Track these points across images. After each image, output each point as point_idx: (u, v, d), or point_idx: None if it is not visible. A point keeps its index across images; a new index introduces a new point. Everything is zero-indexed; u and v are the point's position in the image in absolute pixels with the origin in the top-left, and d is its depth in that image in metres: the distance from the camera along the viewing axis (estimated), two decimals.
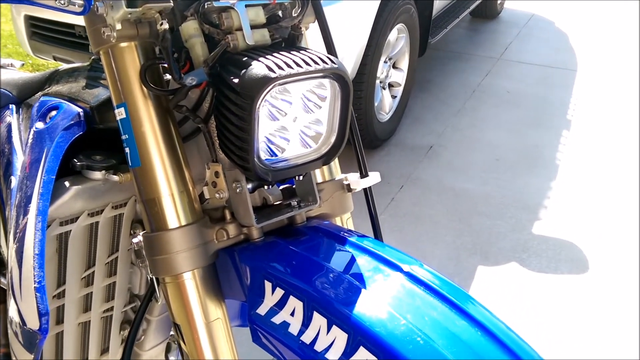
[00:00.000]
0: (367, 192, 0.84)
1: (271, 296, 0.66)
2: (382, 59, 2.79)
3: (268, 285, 0.66)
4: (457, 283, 0.68)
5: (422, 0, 3.04)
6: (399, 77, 3.07)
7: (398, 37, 2.92)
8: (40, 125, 0.84)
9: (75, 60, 2.57)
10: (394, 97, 3.09)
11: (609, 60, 4.35)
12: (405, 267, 0.65)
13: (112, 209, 0.85)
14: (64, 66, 0.99)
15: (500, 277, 2.22)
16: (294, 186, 0.81)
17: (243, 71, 0.62)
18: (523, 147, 3.15)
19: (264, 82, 0.60)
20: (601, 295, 2.13)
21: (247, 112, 0.61)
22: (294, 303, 0.62)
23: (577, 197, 2.73)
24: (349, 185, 0.84)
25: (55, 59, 2.72)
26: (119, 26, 0.66)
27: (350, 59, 2.48)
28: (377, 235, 0.84)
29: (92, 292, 0.88)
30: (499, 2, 4.91)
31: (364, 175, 0.83)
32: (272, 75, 0.60)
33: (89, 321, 0.91)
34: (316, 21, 0.81)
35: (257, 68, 0.61)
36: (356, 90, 2.56)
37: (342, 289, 0.62)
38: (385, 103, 2.98)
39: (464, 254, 2.36)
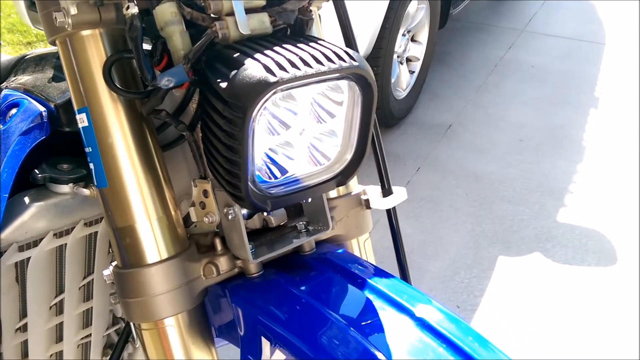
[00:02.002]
0: (390, 215, 0.68)
1: (269, 357, 0.52)
2: (401, 31, 2.59)
3: (266, 344, 0.53)
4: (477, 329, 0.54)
5: None
6: (418, 51, 2.87)
7: (418, 8, 2.71)
8: None
9: None
10: (411, 72, 2.90)
11: (638, 34, 4.09)
12: (425, 314, 0.52)
13: (85, 226, 0.71)
14: (33, 51, 0.84)
15: (523, 268, 2.08)
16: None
17: (233, 72, 0.46)
18: (548, 126, 2.95)
19: (261, 89, 0.45)
20: (629, 290, 1.98)
21: (238, 128, 0.46)
22: None
23: (605, 182, 2.55)
24: (367, 201, 0.69)
25: None
26: (73, 10, 0.50)
27: (366, 33, 2.29)
28: (405, 275, 0.69)
29: (63, 322, 0.75)
30: None
31: (387, 191, 0.67)
32: (272, 79, 0.45)
33: (62, 351, 0.79)
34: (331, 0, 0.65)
35: (252, 69, 0.46)
36: (372, 66, 2.37)
37: (353, 352, 0.48)
38: (403, 79, 2.79)
39: (484, 243, 2.22)
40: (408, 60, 2.86)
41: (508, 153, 2.73)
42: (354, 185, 0.71)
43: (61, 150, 0.70)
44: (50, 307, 0.73)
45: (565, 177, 2.58)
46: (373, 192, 0.69)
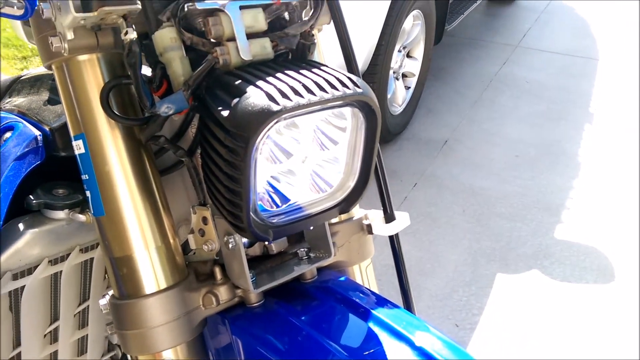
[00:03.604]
0: (393, 242, 0.67)
1: None
2: (397, 47, 2.60)
3: None
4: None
5: None
6: (414, 66, 2.88)
7: (413, 24, 2.73)
8: None
9: None
10: (407, 87, 2.90)
11: (632, 49, 4.12)
12: (424, 343, 0.52)
13: (80, 252, 0.70)
14: (29, 72, 0.83)
15: (522, 286, 2.06)
16: None
17: (235, 101, 0.45)
18: (544, 142, 2.96)
19: (264, 118, 0.43)
20: (628, 307, 1.96)
21: (240, 158, 0.44)
22: None
23: (601, 198, 2.55)
24: (369, 226, 0.68)
25: None
26: (70, 35, 0.49)
27: (363, 49, 2.29)
28: (408, 302, 0.67)
29: (57, 350, 0.73)
30: None
31: (389, 216, 0.66)
32: (275, 107, 0.44)
33: None
34: (332, 22, 0.64)
35: (255, 97, 0.44)
36: (368, 82, 2.37)
37: None
38: (398, 95, 2.79)
39: (482, 260, 2.20)
40: (404, 76, 2.87)
41: (504, 169, 2.73)
42: (356, 210, 0.69)
43: (56, 175, 0.69)
44: (45, 336, 0.71)
45: (561, 193, 2.58)
46: (375, 216, 0.68)
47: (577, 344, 1.83)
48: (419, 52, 2.88)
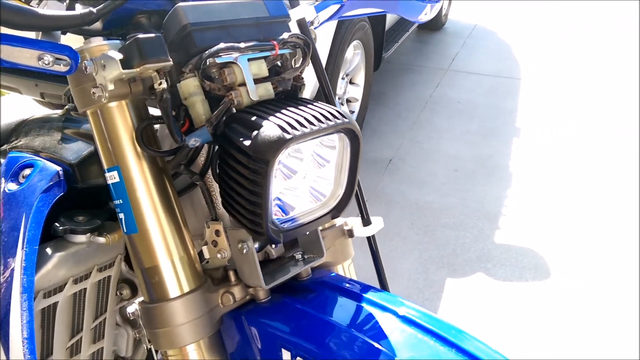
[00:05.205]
0: (370, 240, 0.81)
1: None
2: (340, 75, 2.78)
3: (286, 354, 0.63)
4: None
5: (375, 16, 3.06)
6: (356, 92, 3.08)
7: (354, 53, 2.93)
8: (12, 186, 0.77)
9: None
10: (352, 112, 3.09)
11: (550, 67, 4.54)
12: (406, 313, 0.66)
13: (98, 272, 0.79)
14: (33, 115, 0.92)
15: (469, 288, 2.25)
16: None
17: (255, 133, 0.58)
18: (479, 156, 3.22)
19: (279, 145, 0.57)
20: (565, 301, 2.19)
21: (261, 176, 0.57)
22: None
23: (533, 203, 2.81)
24: (350, 230, 0.82)
25: (43, 97, 2.43)
26: (111, 86, 0.60)
27: (310, 79, 2.45)
28: (382, 283, 0.82)
29: None
30: (443, 13, 5.03)
31: (366, 221, 0.80)
32: (287, 136, 0.57)
33: None
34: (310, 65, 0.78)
35: (270, 129, 0.58)
36: None
37: (368, 354, 0.60)
38: None
39: (432, 267, 2.38)
40: (348, 101, 3.06)
41: (445, 183, 2.95)
42: (337, 219, 0.83)
43: (72, 203, 0.78)
44: (67, 348, 0.79)
45: (498, 202, 2.82)
46: (354, 222, 0.82)
47: (522, 334, 2.03)
48: (360, 78, 3.09)
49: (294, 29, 0.73)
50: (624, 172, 3.08)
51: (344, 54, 2.69)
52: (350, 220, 0.82)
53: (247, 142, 0.58)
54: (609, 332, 2.03)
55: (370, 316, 0.65)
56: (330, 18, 0.86)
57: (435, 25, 5.04)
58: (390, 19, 3.51)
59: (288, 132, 0.57)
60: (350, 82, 3.04)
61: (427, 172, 3.04)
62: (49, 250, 0.73)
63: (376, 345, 0.60)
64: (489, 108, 3.81)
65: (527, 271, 2.37)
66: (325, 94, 0.76)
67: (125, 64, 0.58)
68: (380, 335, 0.62)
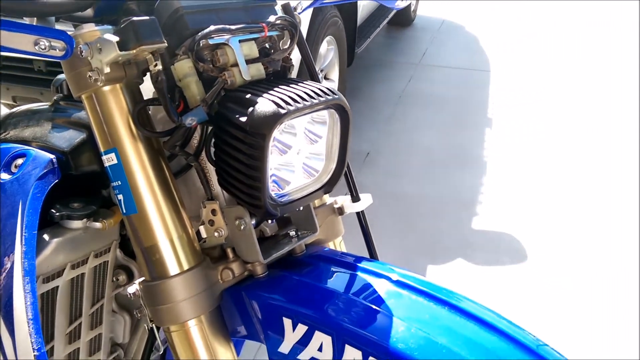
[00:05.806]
0: (359, 215, 0.84)
1: (292, 333, 0.65)
2: None
3: (287, 322, 0.65)
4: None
5: (347, 11, 3.11)
6: (331, 87, 3.11)
7: (328, 49, 2.97)
8: (5, 176, 0.78)
9: (38, 100, 2.33)
10: None
11: (517, 58, 4.66)
12: (398, 278, 0.69)
13: (95, 257, 0.80)
14: (18, 108, 0.92)
15: (450, 274, 2.31)
16: (286, 214, 0.80)
17: (250, 109, 0.60)
18: (452, 147, 3.30)
19: (275, 119, 0.59)
20: (541, 284, 2.27)
21: (259, 151, 0.60)
22: (321, 338, 0.62)
23: (506, 189, 2.90)
24: (340, 208, 0.85)
25: (15, 100, 2.33)
26: (107, 69, 0.62)
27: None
28: (372, 254, 0.85)
29: (79, 348, 0.82)
30: (412, 9, 5.11)
31: (355, 197, 0.83)
32: (282, 111, 0.60)
33: None
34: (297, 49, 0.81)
35: (265, 105, 0.60)
36: None
37: (366, 316, 0.63)
38: None
39: (413, 256, 2.43)
40: None
41: (421, 174, 3.01)
42: (327, 197, 0.86)
43: (67, 190, 0.79)
44: (67, 334, 0.80)
45: (472, 189, 2.89)
46: (343, 200, 0.85)
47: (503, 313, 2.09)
48: (335, 74, 3.13)
49: (280, 13, 0.75)
50: (595, 158, 3.19)
51: (318, 49, 2.73)
52: (340, 199, 0.85)
53: (244, 119, 0.60)
54: (582, 308, 2.11)
55: (365, 283, 0.68)
56: (313, 4, 0.89)
57: (405, 21, 5.12)
58: (362, 14, 3.56)
59: (282, 108, 0.60)
60: (325, 78, 3.08)
61: (404, 164, 3.09)
62: (46, 237, 0.75)
63: (374, 307, 0.63)
64: (460, 100, 3.89)
65: (505, 255, 2.44)
66: (311, 74, 0.80)
67: (121, 46, 0.59)
68: (376, 299, 0.65)
